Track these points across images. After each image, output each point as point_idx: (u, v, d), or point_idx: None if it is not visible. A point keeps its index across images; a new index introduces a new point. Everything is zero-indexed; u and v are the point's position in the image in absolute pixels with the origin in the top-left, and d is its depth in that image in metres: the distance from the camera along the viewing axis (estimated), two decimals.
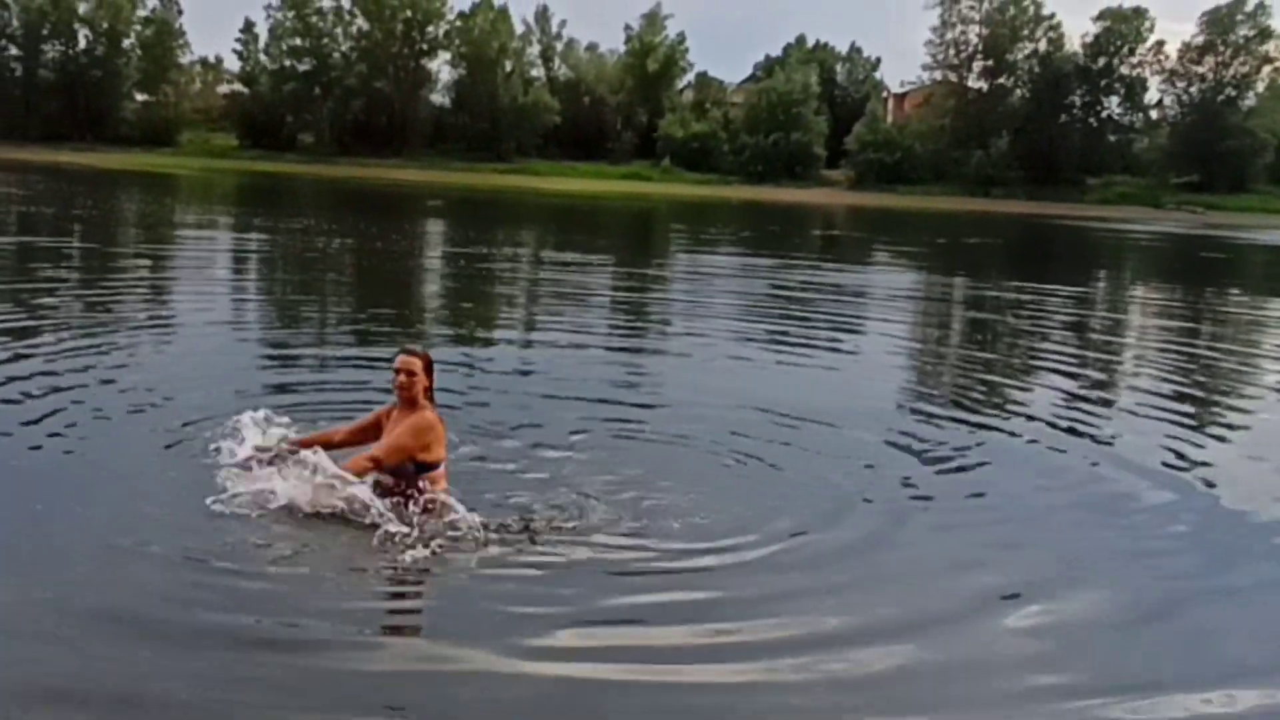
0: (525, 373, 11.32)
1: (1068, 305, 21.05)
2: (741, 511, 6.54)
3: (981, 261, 32.84)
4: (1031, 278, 27.06)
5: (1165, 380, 12.61)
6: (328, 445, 6.49)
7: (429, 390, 6.24)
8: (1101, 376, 13.26)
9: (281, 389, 9.52)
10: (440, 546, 5.67)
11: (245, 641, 4.73)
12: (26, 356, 10.04)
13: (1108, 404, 11.27)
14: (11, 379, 8.97)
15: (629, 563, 5.76)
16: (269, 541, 5.67)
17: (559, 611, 5.13)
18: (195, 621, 4.86)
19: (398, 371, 6.15)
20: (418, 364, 6.16)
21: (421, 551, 5.58)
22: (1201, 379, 13.14)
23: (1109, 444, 9.09)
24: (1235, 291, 27.37)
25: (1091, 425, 9.79)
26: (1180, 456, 8.65)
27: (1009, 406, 10.75)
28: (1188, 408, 11.05)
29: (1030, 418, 9.96)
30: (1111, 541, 6.66)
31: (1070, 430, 9.45)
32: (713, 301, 18.64)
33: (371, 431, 6.42)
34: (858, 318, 17.86)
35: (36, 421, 7.66)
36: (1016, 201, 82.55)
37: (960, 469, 8.06)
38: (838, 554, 6.10)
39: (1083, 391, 11.65)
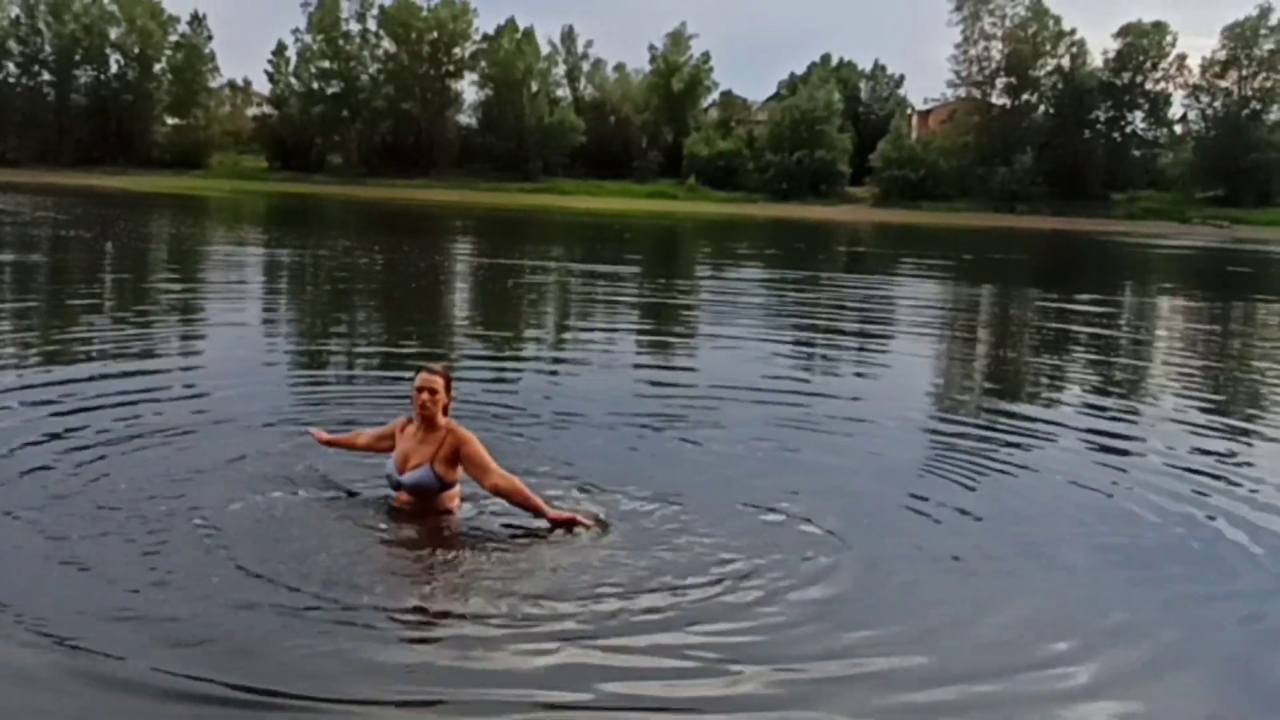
0: (552, 385, 11.57)
1: (1097, 317, 21.22)
2: (756, 527, 6.50)
3: (1008, 275, 32.97)
4: (1059, 290, 27.21)
5: (1197, 389, 12.80)
6: (350, 447, 6.80)
7: (447, 408, 6.26)
8: (1132, 387, 13.38)
9: (314, 401, 9.84)
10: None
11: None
12: (71, 366, 10.50)
13: (1140, 414, 11.37)
14: (61, 387, 9.44)
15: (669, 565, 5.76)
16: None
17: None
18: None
19: (419, 390, 6.13)
20: (439, 382, 6.16)
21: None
22: (1235, 390, 13.30)
23: (1146, 455, 9.04)
24: (1263, 302, 27.50)
25: (1128, 435, 9.85)
26: (1218, 466, 8.57)
27: (1043, 415, 10.80)
28: (1223, 418, 11.05)
29: (1064, 426, 10.00)
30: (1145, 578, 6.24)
31: (1107, 441, 9.48)
32: (742, 315, 18.89)
33: (388, 440, 6.52)
34: (887, 330, 18.06)
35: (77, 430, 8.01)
36: (1042, 217, 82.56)
37: (990, 483, 7.88)
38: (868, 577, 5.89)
39: (1116, 402, 11.80)
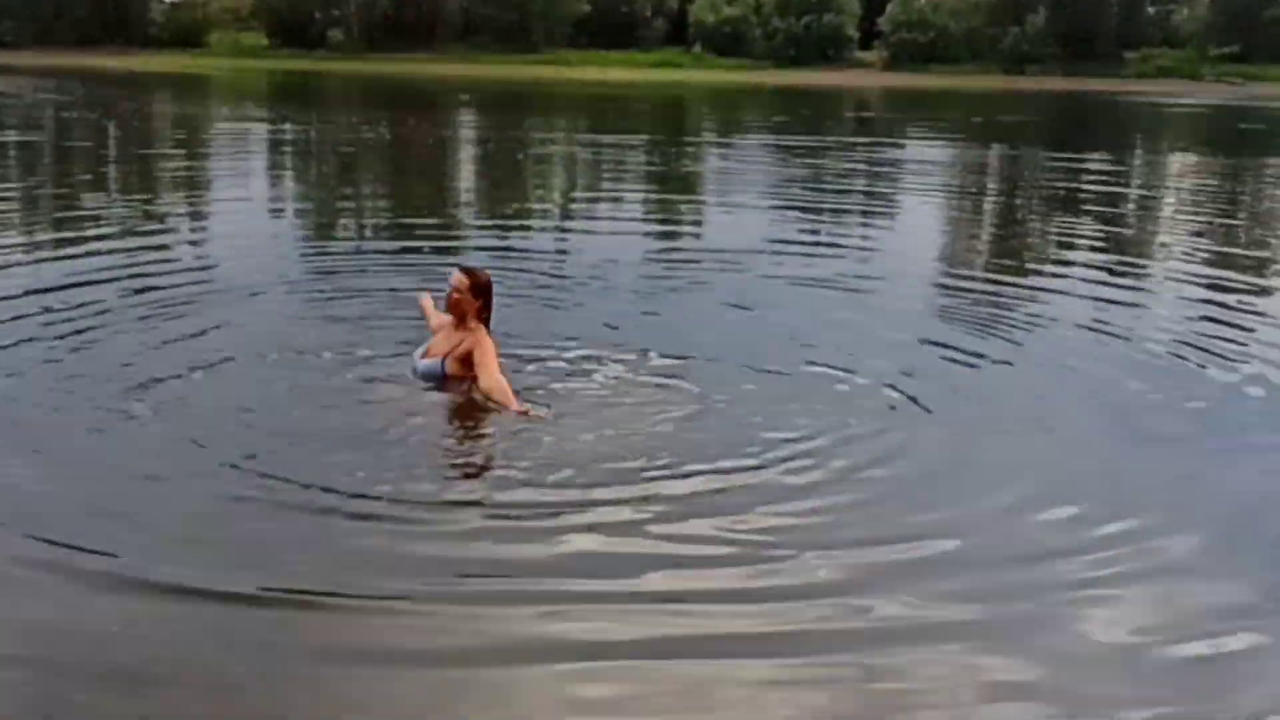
0: (578, 250, 11.71)
1: (1105, 178, 21.23)
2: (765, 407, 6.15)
3: (1018, 138, 32.74)
4: (1069, 152, 27.10)
5: (1206, 246, 13.03)
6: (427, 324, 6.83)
7: (480, 313, 6.23)
8: (1140, 250, 13.62)
9: (322, 272, 10.00)
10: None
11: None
12: (80, 254, 10.39)
13: (1146, 280, 11.39)
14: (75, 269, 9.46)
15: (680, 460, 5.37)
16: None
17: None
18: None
19: (451, 288, 6.21)
20: (465, 284, 6.17)
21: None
22: (1240, 250, 13.41)
23: (1153, 330, 8.47)
24: (1274, 162, 27.37)
25: (1134, 304, 9.76)
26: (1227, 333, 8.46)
27: (1047, 282, 10.83)
28: (1236, 274, 11.14)
29: (1067, 294, 9.97)
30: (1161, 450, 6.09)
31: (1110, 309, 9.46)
32: (756, 182, 18.98)
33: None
34: (893, 195, 18.17)
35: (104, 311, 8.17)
36: (1054, 78, 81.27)
37: (996, 351, 7.69)
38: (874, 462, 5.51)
39: (1123, 267, 11.95)
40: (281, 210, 14.98)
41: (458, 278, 6.22)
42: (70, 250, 10.65)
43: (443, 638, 3.86)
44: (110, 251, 10.47)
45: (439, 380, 6.18)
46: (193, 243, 11.82)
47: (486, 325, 6.27)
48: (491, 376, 5.97)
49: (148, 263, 9.99)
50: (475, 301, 6.22)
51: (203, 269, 9.79)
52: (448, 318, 6.42)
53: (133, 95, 41.65)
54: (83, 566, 4.20)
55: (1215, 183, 21.25)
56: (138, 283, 8.90)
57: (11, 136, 24.08)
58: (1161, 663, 3.91)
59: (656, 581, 4.26)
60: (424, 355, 6.31)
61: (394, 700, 3.52)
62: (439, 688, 3.63)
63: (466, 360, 6.11)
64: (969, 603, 4.19)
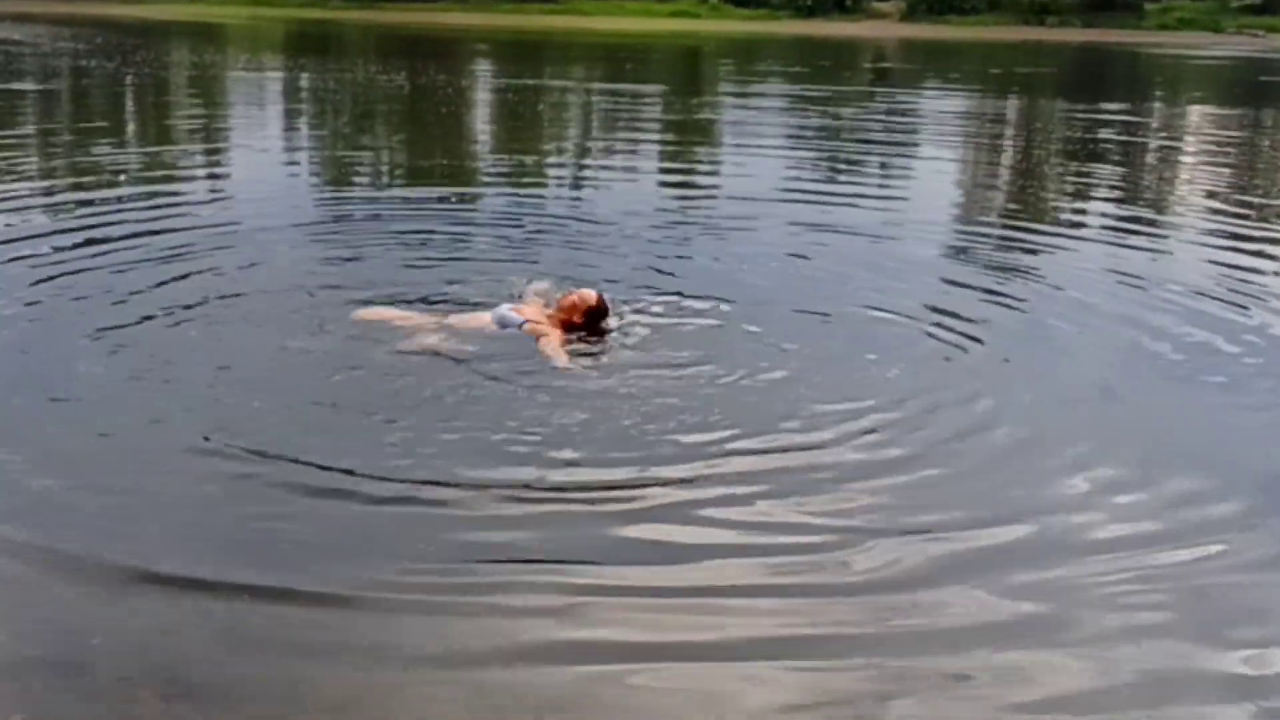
0: (612, 197, 11.74)
1: (1125, 129, 21.24)
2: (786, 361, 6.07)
3: (1036, 89, 32.63)
4: (1087, 103, 27.04)
5: (1224, 196, 13.14)
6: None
7: (571, 324, 6.38)
8: (1157, 200, 13.75)
9: (338, 218, 10.10)
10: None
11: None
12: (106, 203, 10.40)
13: (1166, 227, 11.40)
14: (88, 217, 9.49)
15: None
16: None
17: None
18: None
19: (579, 296, 6.46)
20: (591, 303, 6.41)
21: None
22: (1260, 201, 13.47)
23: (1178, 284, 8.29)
24: None
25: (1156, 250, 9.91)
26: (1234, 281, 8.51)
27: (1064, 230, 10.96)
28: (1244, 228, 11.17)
29: (1085, 239, 10.17)
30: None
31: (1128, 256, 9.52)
32: (769, 132, 19.06)
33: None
34: (911, 146, 18.25)
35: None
36: (1073, 29, 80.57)
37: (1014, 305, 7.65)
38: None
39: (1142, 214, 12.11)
40: (313, 157, 15.12)
41: (590, 295, 6.45)
42: (84, 196, 10.75)
43: (458, 634, 3.60)
44: (129, 198, 10.56)
45: (510, 329, 6.28)
46: (212, 193, 11.67)
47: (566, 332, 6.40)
48: (553, 345, 6.10)
49: (162, 206, 10.10)
50: (580, 319, 6.40)
51: (225, 225, 9.46)
52: (541, 305, 6.64)
53: (150, 45, 41.65)
54: (92, 559, 3.91)
55: (1235, 133, 21.27)
56: (152, 224, 9.04)
57: (31, 85, 24.17)
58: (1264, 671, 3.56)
59: (691, 575, 3.97)
60: (514, 310, 6.46)
61: (409, 700, 3.29)
62: (454, 688, 3.36)
63: (536, 336, 6.23)
64: (1042, 600, 3.87)
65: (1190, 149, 19.14)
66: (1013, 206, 12.45)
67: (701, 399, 5.43)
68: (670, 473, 4.65)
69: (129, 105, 21.48)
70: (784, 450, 4.92)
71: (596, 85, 29.71)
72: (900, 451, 4.98)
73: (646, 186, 12.68)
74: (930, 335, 6.67)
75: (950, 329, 6.74)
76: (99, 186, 11.29)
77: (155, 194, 10.91)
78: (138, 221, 9.28)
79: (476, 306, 6.68)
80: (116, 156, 13.65)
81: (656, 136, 18.36)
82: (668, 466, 4.71)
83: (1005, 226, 10.89)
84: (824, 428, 5.15)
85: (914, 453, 4.97)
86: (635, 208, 10.67)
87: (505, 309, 6.45)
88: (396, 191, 12.25)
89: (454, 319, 6.45)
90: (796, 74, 37.36)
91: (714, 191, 12.80)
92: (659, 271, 8.00)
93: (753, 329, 6.57)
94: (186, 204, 10.54)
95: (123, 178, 11.84)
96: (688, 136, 18.50)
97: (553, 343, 6.11)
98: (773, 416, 5.26)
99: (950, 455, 4.98)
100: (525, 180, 12.99)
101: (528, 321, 6.34)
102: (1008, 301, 7.62)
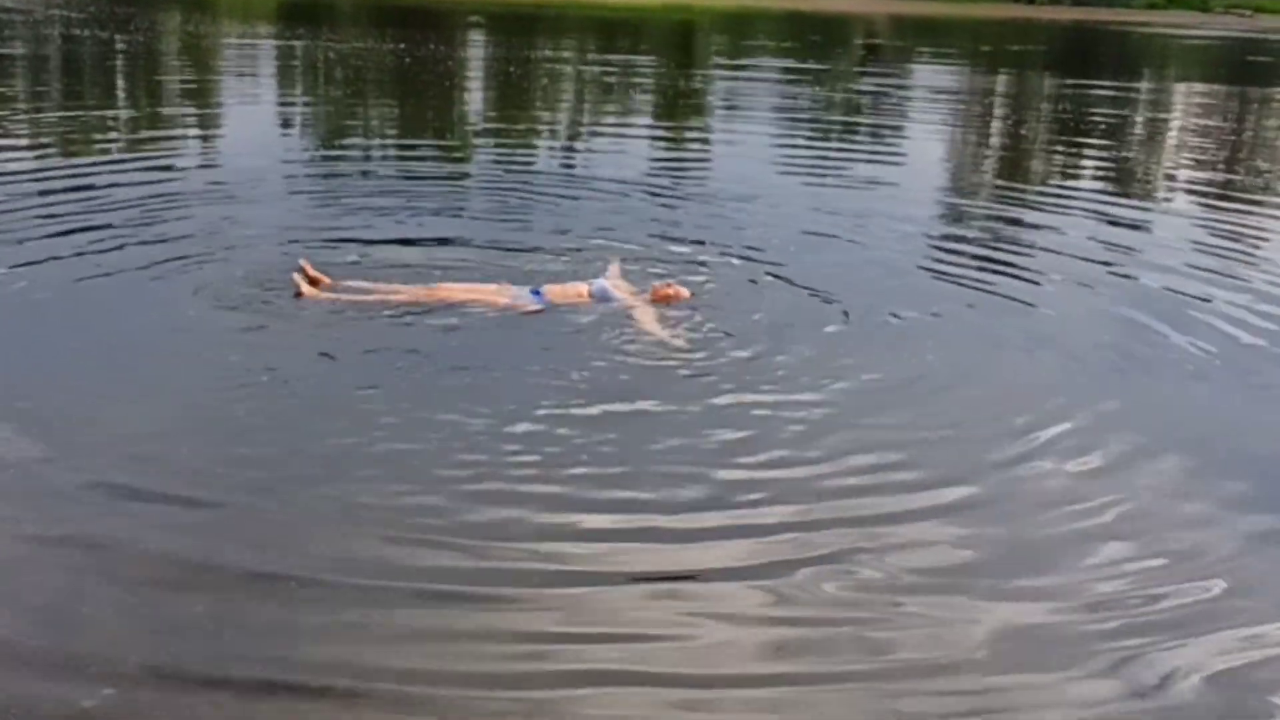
0: (569, 178, 11.54)
1: (1113, 107, 21.55)
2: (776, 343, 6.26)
3: (1026, 66, 32.89)
4: (1076, 81, 27.33)
5: (1208, 173, 13.44)
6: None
7: (656, 300, 6.75)
8: (1149, 177, 14.00)
9: (329, 176, 10.32)
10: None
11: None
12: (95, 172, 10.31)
13: (1154, 207, 11.55)
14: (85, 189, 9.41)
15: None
16: None
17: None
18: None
19: (674, 286, 6.87)
20: (684, 296, 6.79)
21: None
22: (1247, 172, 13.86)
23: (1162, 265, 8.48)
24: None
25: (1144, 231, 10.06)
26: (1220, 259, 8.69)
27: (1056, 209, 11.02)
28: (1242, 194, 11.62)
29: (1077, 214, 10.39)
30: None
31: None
32: (759, 109, 19.30)
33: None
34: (902, 123, 18.55)
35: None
36: (1061, 8, 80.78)
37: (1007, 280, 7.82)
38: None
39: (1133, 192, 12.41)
40: (316, 125, 15.23)
41: (684, 292, 6.84)
42: (78, 160, 10.86)
43: (472, 633, 3.57)
44: (120, 162, 10.66)
45: (607, 302, 6.70)
46: (205, 163, 11.63)
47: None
48: (648, 314, 6.55)
49: (156, 170, 10.21)
50: (665, 300, 6.76)
51: (220, 200, 9.40)
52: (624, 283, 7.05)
53: (143, 13, 41.51)
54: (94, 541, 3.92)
55: (1220, 112, 21.58)
56: (144, 191, 9.14)
57: (20, 50, 24.08)
58: None
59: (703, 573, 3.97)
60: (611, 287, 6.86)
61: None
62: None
63: (630, 308, 6.65)
64: (1077, 612, 3.83)
65: (1178, 126, 19.46)
66: (1001, 183, 12.72)
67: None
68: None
69: (124, 73, 21.46)
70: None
71: (589, 57, 29.81)
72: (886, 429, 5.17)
73: (641, 157, 12.89)
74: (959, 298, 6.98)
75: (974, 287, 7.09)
76: (86, 152, 11.36)
77: (138, 158, 10.98)
78: (116, 185, 9.42)
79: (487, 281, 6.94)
80: (105, 121, 13.71)
81: (650, 108, 18.52)
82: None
83: (994, 201, 11.19)
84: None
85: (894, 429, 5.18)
86: (639, 175, 10.97)
87: (603, 283, 6.84)
88: (390, 155, 12.36)
89: (475, 288, 6.80)
90: (789, 49, 37.49)
91: (708, 164, 13.01)
92: (681, 229, 8.43)
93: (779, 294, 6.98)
94: (166, 169, 10.60)
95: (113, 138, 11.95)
96: (683, 110, 18.65)
97: (653, 322, 6.45)
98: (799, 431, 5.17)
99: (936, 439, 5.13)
100: (538, 144, 13.19)
101: (624, 295, 6.76)
102: (995, 283, 7.75)
